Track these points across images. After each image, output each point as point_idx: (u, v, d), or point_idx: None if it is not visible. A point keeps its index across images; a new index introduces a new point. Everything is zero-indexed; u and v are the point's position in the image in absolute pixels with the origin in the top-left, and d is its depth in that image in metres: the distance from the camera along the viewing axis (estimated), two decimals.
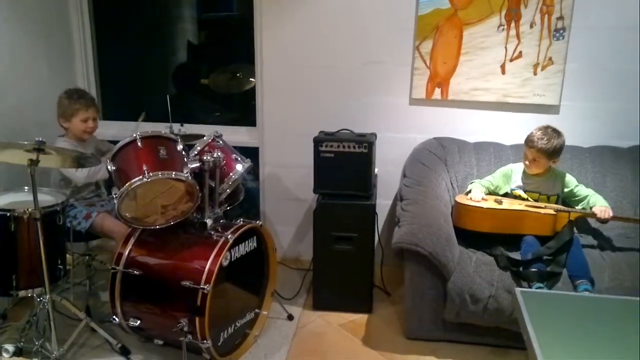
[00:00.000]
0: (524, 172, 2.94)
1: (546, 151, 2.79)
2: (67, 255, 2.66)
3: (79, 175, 2.81)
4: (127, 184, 2.27)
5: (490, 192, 2.96)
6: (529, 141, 2.83)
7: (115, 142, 3.00)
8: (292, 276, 3.47)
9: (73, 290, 2.88)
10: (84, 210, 2.83)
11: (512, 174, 2.97)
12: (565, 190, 2.94)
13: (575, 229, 2.79)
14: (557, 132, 2.81)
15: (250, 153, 3.12)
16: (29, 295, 2.46)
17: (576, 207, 2.89)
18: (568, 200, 2.96)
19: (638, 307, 1.62)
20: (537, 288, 2.51)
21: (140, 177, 2.27)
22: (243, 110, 3.96)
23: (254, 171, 3.50)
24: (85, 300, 2.90)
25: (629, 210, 2.99)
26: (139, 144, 2.37)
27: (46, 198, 2.54)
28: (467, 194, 2.94)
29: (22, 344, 2.53)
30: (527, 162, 2.88)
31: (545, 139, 2.78)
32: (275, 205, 3.70)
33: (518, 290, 1.71)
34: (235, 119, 3.99)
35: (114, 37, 3.88)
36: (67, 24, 3.60)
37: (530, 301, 1.64)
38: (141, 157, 2.35)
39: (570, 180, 2.94)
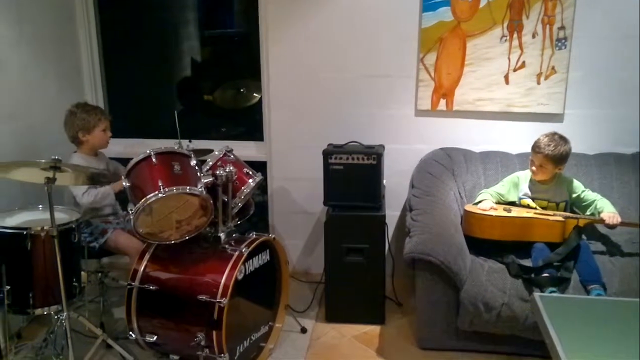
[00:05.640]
0: (531, 180, 2.97)
1: (553, 157, 2.82)
2: (82, 273, 2.67)
3: (84, 200, 2.82)
4: (142, 200, 2.29)
5: (499, 202, 2.99)
6: (536, 147, 2.86)
7: (122, 160, 3.08)
8: (303, 289, 3.48)
9: (87, 308, 2.89)
10: (100, 226, 2.86)
11: (520, 182, 3.00)
12: (573, 196, 2.96)
13: (583, 235, 2.82)
14: (563, 139, 2.85)
15: (258, 167, 3.15)
16: (45, 313, 2.47)
17: (584, 213, 2.92)
18: (576, 205, 2.99)
19: None
20: (550, 293, 2.52)
21: (156, 192, 2.28)
22: (248, 124, 3.99)
23: (262, 185, 3.53)
24: (100, 317, 2.91)
25: (636, 216, 3.02)
26: (154, 159, 2.39)
27: (60, 216, 2.56)
28: (476, 204, 2.97)
29: None
30: (533, 168, 2.91)
31: (552, 145, 2.81)
32: (283, 219, 3.72)
33: (537, 295, 1.74)
34: (240, 133, 4.02)
35: (121, 57, 3.93)
36: (75, 44, 3.65)
37: (550, 306, 1.66)
38: (156, 172, 2.36)
39: (578, 185, 2.97)
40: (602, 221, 2.81)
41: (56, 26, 3.45)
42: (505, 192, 3.01)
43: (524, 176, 3.01)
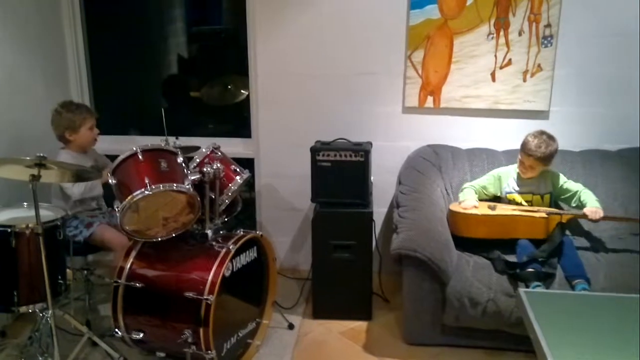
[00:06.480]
0: (518, 176, 3.00)
1: (543, 159, 2.86)
2: (67, 270, 2.65)
3: (75, 190, 2.82)
4: (129, 197, 2.27)
5: (482, 196, 3.01)
6: (527, 150, 2.86)
7: (109, 157, 3.06)
8: (290, 286, 3.48)
9: (72, 305, 2.87)
10: (86, 220, 2.85)
11: (502, 179, 3.03)
12: (557, 187, 3.00)
13: (567, 231, 2.85)
14: (551, 138, 2.87)
15: (246, 164, 3.14)
16: (30, 311, 2.45)
17: (569, 203, 2.96)
18: (560, 197, 3.02)
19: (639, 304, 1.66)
20: (535, 287, 2.55)
21: (142, 189, 2.27)
22: (235, 121, 3.98)
23: (249, 182, 3.52)
24: (85, 315, 2.89)
25: (619, 212, 3.05)
26: (140, 157, 2.37)
27: (46, 213, 2.54)
28: (460, 203, 2.98)
29: None
30: (522, 168, 2.94)
31: (542, 147, 2.83)
32: (271, 216, 3.72)
33: (522, 290, 1.75)
34: (228, 130, 4.01)
35: (106, 54, 3.89)
36: (61, 42, 3.62)
37: (535, 301, 1.68)
38: (142, 170, 2.35)
39: (560, 177, 3.00)
40: (585, 216, 2.84)
41: (42, 24, 3.41)
42: (488, 184, 3.03)
43: (506, 173, 3.04)
